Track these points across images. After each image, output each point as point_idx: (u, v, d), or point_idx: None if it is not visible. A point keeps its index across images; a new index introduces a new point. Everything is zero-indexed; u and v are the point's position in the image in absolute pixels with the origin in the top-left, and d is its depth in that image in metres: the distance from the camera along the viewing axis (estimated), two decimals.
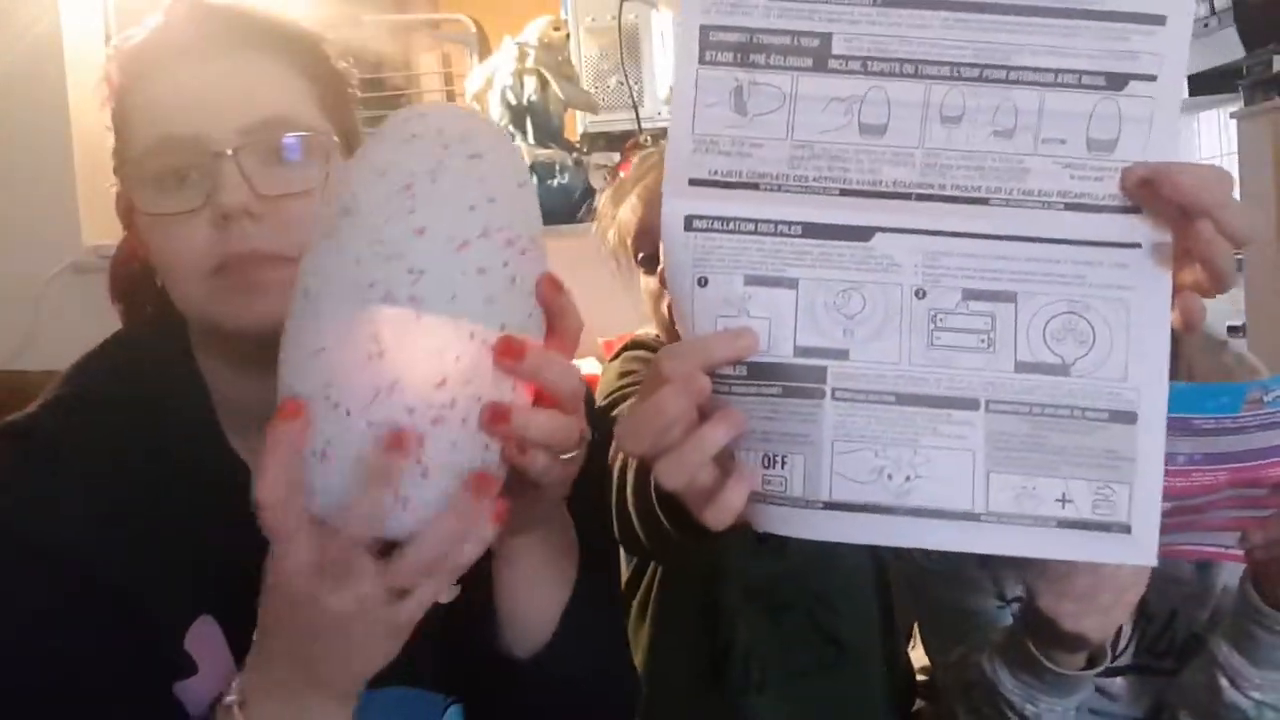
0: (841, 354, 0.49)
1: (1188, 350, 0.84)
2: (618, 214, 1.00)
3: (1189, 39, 0.51)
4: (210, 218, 0.58)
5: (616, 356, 1.07)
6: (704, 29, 0.50)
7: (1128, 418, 0.50)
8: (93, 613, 0.58)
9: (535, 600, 0.62)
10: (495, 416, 0.48)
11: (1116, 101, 0.50)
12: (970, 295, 0.50)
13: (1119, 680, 0.89)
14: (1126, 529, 0.51)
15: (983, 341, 0.49)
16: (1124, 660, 0.88)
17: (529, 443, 0.49)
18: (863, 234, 0.50)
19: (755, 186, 0.51)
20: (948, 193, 0.50)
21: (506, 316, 0.49)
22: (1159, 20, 0.50)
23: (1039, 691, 0.80)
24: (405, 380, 0.46)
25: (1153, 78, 0.50)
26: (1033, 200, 0.50)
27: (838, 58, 0.49)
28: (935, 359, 0.50)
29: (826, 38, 0.49)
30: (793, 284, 0.50)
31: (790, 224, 0.50)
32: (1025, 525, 0.50)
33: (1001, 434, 0.49)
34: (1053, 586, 0.75)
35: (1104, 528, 0.51)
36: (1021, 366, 0.49)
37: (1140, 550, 0.51)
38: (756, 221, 0.50)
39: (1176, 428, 0.66)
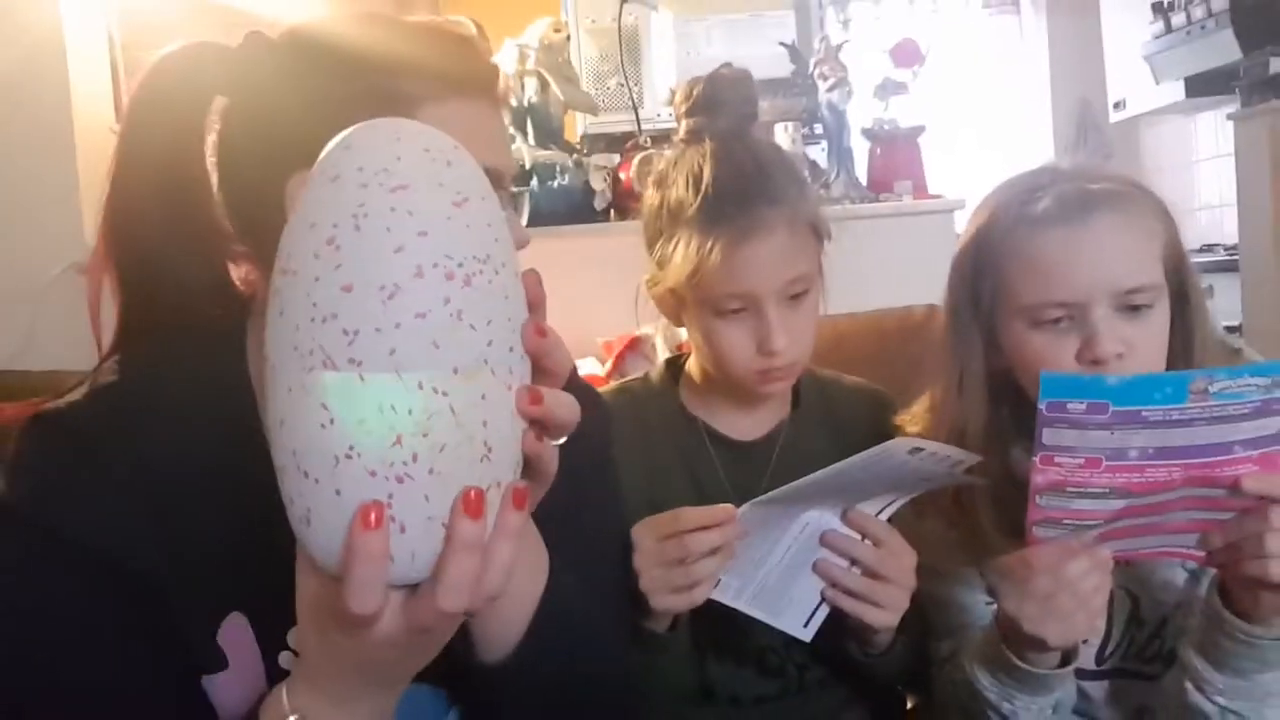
0: None
1: (1200, 358, 0.83)
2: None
3: None
4: None
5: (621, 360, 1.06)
6: None
7: None
8: (122, 604, 0.59)
9: (502, 609, 0.61)
10: (533, 399, 0.49)
11: None
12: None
13: (1103, 683, 0.89)
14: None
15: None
16: (1112, 664, 0.88)
17: (556, 425, 0.50)
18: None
19: None
20: None
21: (457, 356, 0.46)
22: None
23: (1014, 690, 0.80)
24: (360, 445, 0.45)
25: None
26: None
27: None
28: None
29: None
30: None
31: None
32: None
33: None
34: (1015, 588, 0.76)
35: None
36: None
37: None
38: None
39: (1128, 420, 0.67)
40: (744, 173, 0.90)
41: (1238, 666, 0.76)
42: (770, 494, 0.81)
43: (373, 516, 0.45)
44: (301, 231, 0.47)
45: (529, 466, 0.52)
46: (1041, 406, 0.69)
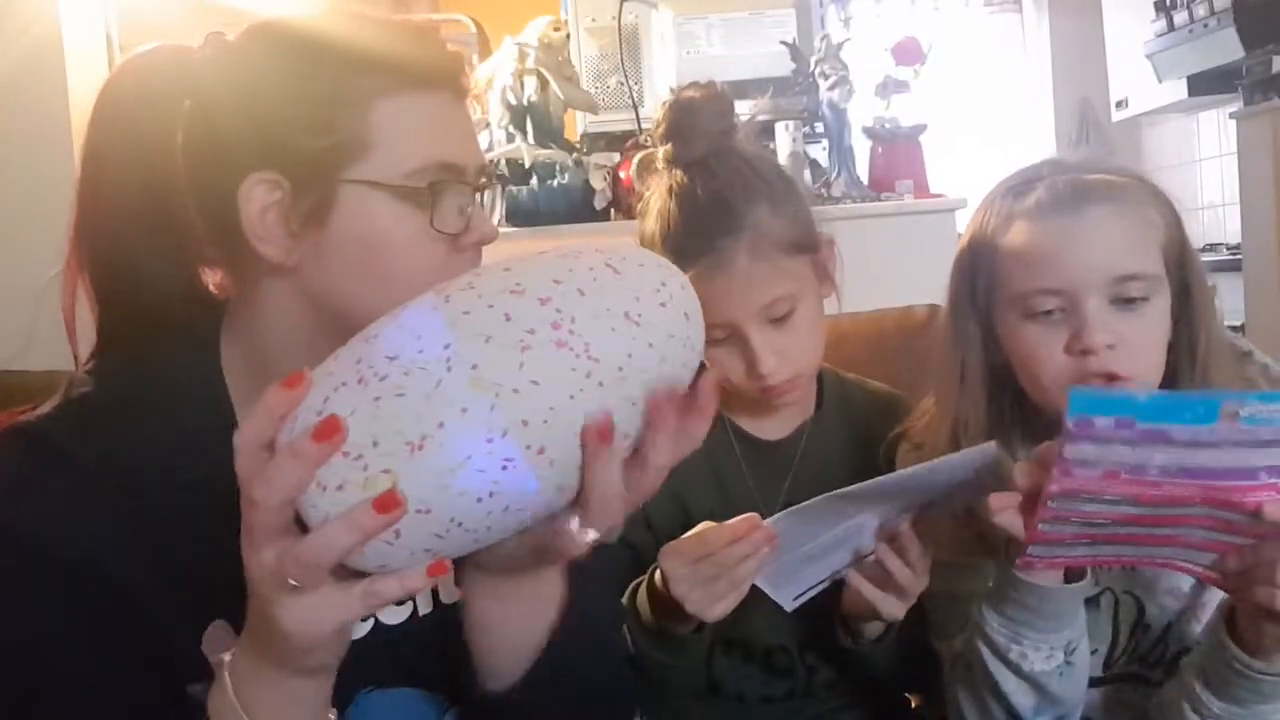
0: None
1: (1205, 359, 0.83)
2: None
3: None
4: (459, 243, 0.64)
5: None
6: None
7: None
8: (105, 616, 0.59)
9: (512, 640, 0.62)
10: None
11: None
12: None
13: (1107, 689, 0.88)
14: None
15: None
16: (1118, 669, 0.88)
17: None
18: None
19: None
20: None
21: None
22: None
23: (1022, 625, 0.79)
24: (450, 523, 0.48)
25: None
26: None
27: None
28: None
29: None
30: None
31: None
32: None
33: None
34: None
35: None
36: None
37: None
38: None
39: (1153, 438, 0.65)
40: (700, 206, 0.89)
41: (1236, 695, 0.75)
42: (852, 488, 0.80)
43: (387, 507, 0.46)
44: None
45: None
46: (1069, 423, 0.66)
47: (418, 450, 0.46)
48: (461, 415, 0.46)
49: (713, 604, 0.81)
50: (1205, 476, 0.67)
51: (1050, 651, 0.79)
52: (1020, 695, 0.81)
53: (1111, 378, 0.78)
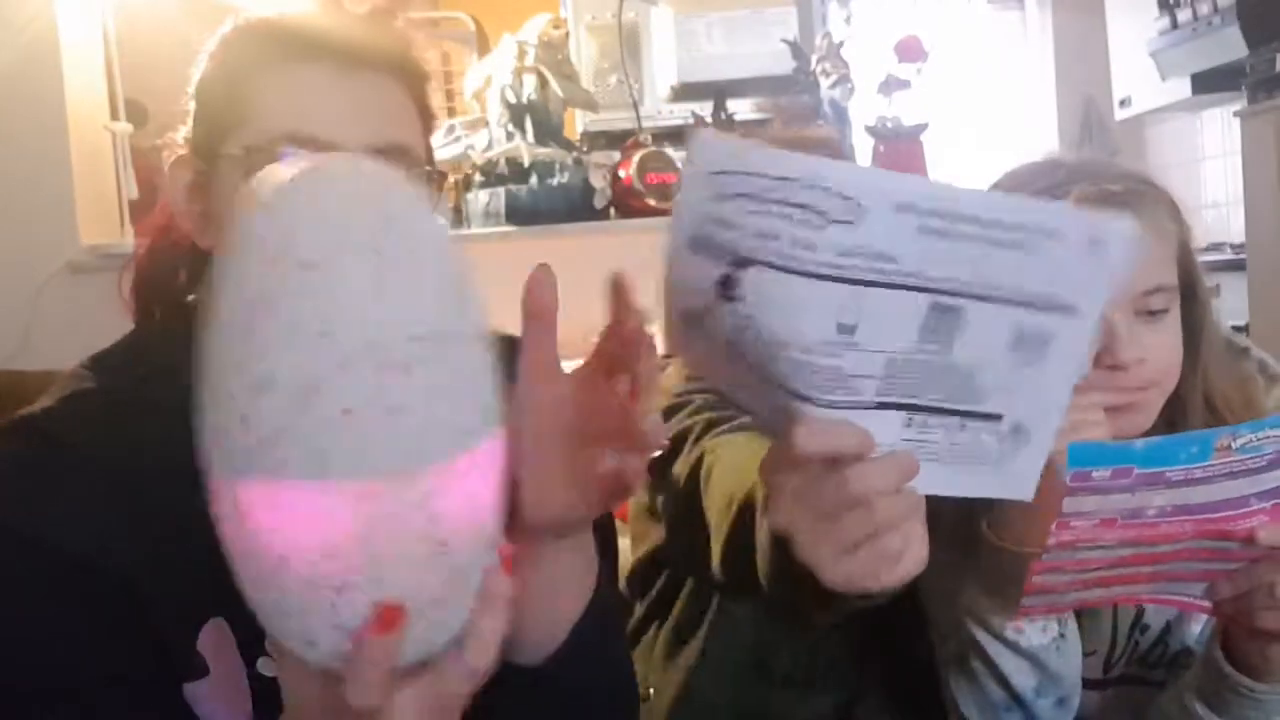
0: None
1: (1207, 356, 0.82)
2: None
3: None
4: None
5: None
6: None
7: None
8: (102, 612, 0.58)
9: (548, 611, 0.60)
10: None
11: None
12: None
13: (1108, 692, 0.87)
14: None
15: None
16: (1118, 671, 0.87)
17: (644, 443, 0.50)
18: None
19: None
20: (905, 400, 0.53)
21: (391, 457, 0.42)
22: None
23: (1014, 600, 0.76)
24: (294, 555, 0.43)
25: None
26: None
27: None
28: None
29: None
30: None
31: None
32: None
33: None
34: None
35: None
36: None
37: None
38: None
39: (1151, 482, 0.65)
40: None
41: (1240, 715, 0.75)
42: None
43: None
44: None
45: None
46: (1067, 478, 0.64)
47: (324, 337, 0.41)
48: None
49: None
50: (1199, 511, 0.67)
51: (1045, 622, 0.79)
52: (1020, 675, 0.80)
53: (1140, 390, 0.78)
